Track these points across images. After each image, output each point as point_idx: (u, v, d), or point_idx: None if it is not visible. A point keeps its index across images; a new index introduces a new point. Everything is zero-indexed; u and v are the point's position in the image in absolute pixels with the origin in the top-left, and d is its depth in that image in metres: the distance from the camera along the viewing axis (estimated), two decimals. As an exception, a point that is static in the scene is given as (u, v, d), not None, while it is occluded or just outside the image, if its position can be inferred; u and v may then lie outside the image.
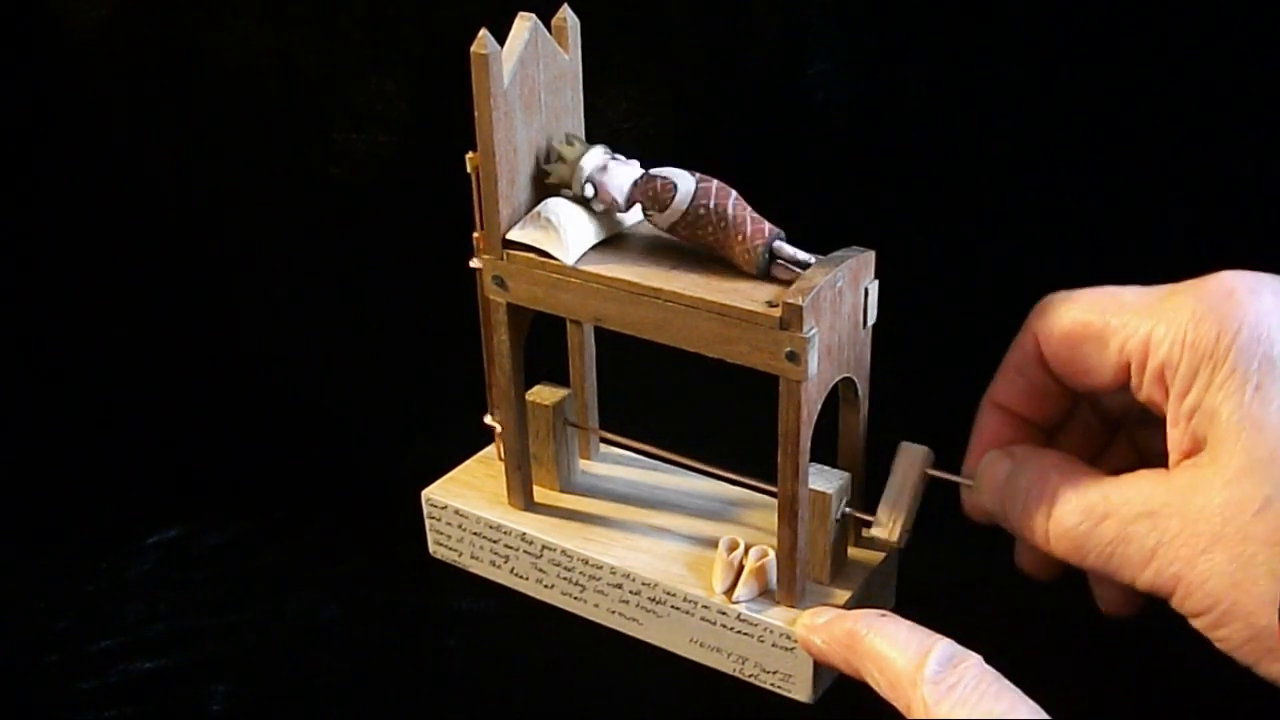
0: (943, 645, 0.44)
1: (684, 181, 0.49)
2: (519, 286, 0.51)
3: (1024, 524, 0.45)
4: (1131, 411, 0.49)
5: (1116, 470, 0.46)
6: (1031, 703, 0.42)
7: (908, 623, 0.46)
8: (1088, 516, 0.43)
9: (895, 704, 0.44)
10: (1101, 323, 0.45)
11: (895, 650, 0.44)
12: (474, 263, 0.53)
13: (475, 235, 0.52)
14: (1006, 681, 0.43)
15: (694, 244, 0.49)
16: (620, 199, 0.50)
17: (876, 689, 0.45)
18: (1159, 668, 0.61)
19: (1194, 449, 0.42)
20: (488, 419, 0.57)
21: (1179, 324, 0.42)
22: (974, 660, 0.43)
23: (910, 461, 0.50)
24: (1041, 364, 0.48)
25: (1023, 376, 0.49)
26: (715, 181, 0.49)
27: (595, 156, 0.50)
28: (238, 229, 0.84)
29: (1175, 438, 0.43)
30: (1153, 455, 0.47)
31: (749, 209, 0.48)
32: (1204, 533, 0.40)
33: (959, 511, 0.51)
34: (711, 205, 0.48)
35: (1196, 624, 0.41)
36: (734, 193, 0.49)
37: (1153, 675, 0.63)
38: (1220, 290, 0.42)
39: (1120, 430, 0.50)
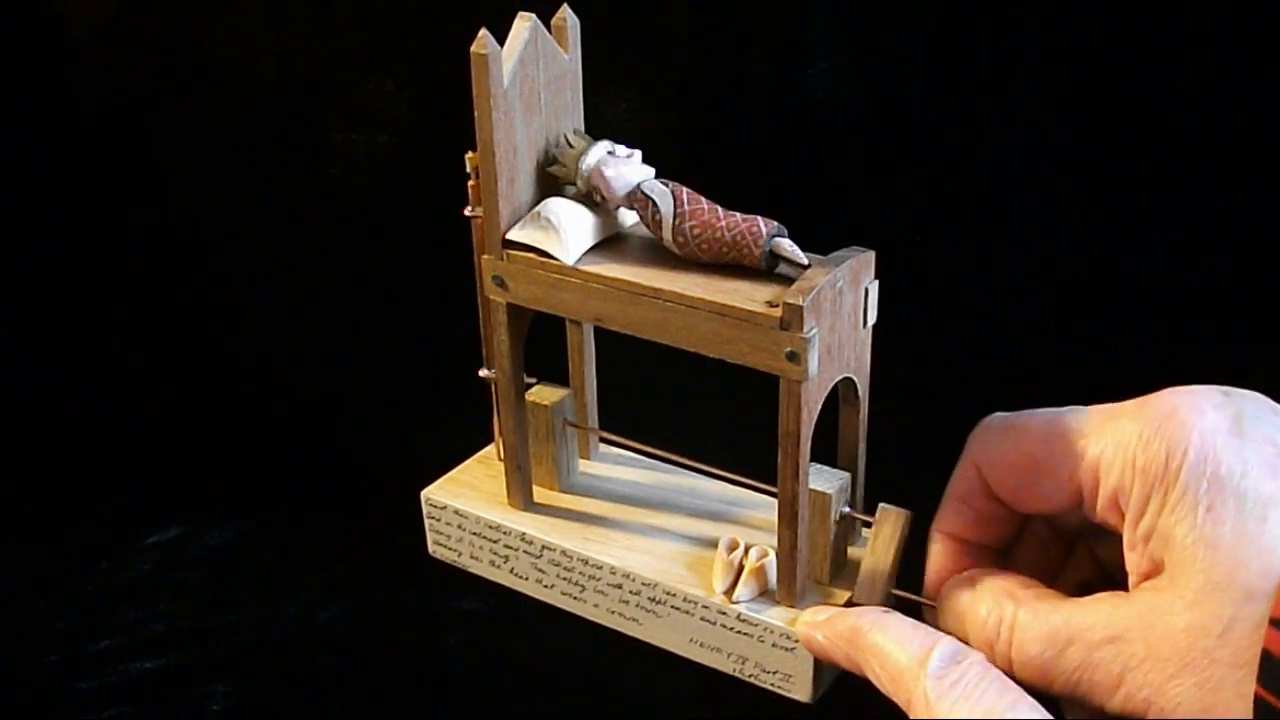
0: (946, 642, 0.44)
1: (663, 200, 0.49)
2: (519, 286, 0.51)
3: (989, 653, 0.45)
4: (1087, 526, 0.48)
5: (1078, 582, 0.46)
6: (1033, 701, 0.42)
7: (910, 620, 0.46)
8: (1051, 644, 0.43)
9: (896, 700, 0.44)
10: (1046, 452, 0.45)
11: (898, 647, 0.44)
12: (468, 211, 0.52)
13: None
14: (1008, 680, 0.43)
15: (710, 260, 0.49)
16: (620, 193, 0.50)
17: (878, 684, 0.45)
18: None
19: (1153, 571, 0.42)
20: (483, 372, 0.56)
21: (1127, 448, 0.42)
22: (977, 658, 0.43)
23: (890, 529, 0.50)
24: (987, 493, 0.47)
25: (968, 506, 0.48)
26: (685, 192, 0.49)
27: (598, 151, 0.51)
28: (238, 229, 0.84)
29: (1133, 561, 0.43)
30: (1114, 565, 0.47)
31: (733, 214, 0.48)
32: (1170, 657, 0.40)
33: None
34: (689, 227, 0.48)
35: None
36: (703, 201, 0.48)
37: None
38: (1163, 410, 0.42)
39: (1078, 543, 0.50)
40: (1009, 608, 0.45)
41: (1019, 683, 0.44)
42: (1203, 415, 0.41)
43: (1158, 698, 0.40)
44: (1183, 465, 0.41)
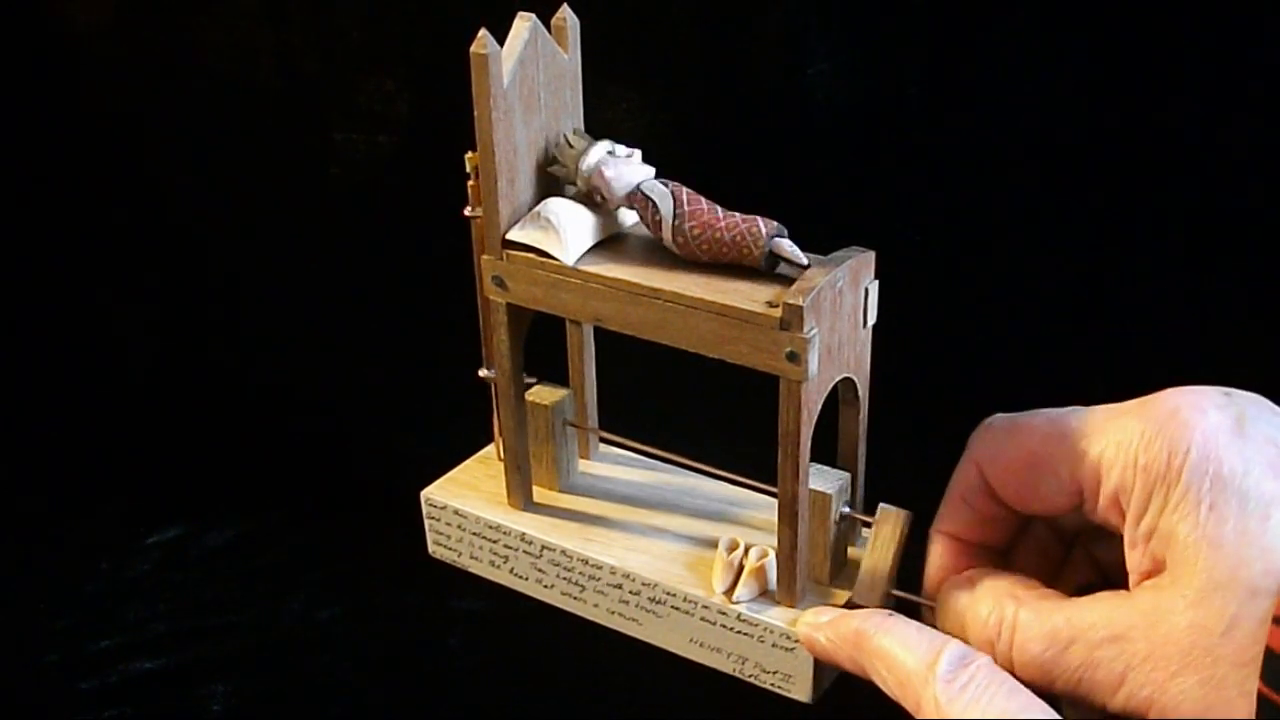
0: (954, 645, 0.44)
1: (662, 201, 0.49)
2: (519, 286, 0.51)
3: (989, 653, 0.45)
4: (1087, 527, 0.48)
5: (1078, 584, 0.46)
6: (1042, 703, 0.42)
7: (915, 623, 0.46)
8: (1052, 643, 0.43)
9: (903, 703, 0.44)
10: (1047, 452, 0.45)
11: (905, 650, 0.44)
12: (468, 211, 0.52)
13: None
14: (1017, 682, 0.43)
15: (711, 260, 0.49)
16: (620, 193, 0.50)
17: (883, 687, 0.45)
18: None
19: (1154, 570, 0.42)
20: (483, 372, 0.56)
21: (1129, 447, 0.42)
22: (985, 660, 0.43)
23: (890, 529, 0.50)
24: (987, 492, 0.48)
25: (969, 506, 0.48)
26: (685, 192, 0.49)
27: (598, 151, 0.50)
28: (238, 228, 0.84)
29: (1134, 559, 0.43)
30: (1113, 567, 0.47)
31: (733, 214, 0.48)
32: (1172, 656, 0.40)
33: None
34: (689, 228, 0.48)
35: None
36: (705, 202, 0.48)
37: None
38: (1165, 410, 0.42)
39: (1077, 544, 0.50)
40: (1010, 607, 0.45)
41: (1020, 683, 0.44)
42: (1205, 415, 0.42)
43: (1160, 696, 0.40)
44: (1185, 464, 0.41)
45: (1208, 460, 0.41)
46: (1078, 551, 0.50)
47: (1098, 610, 0.43)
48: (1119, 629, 0.42)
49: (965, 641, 0.46)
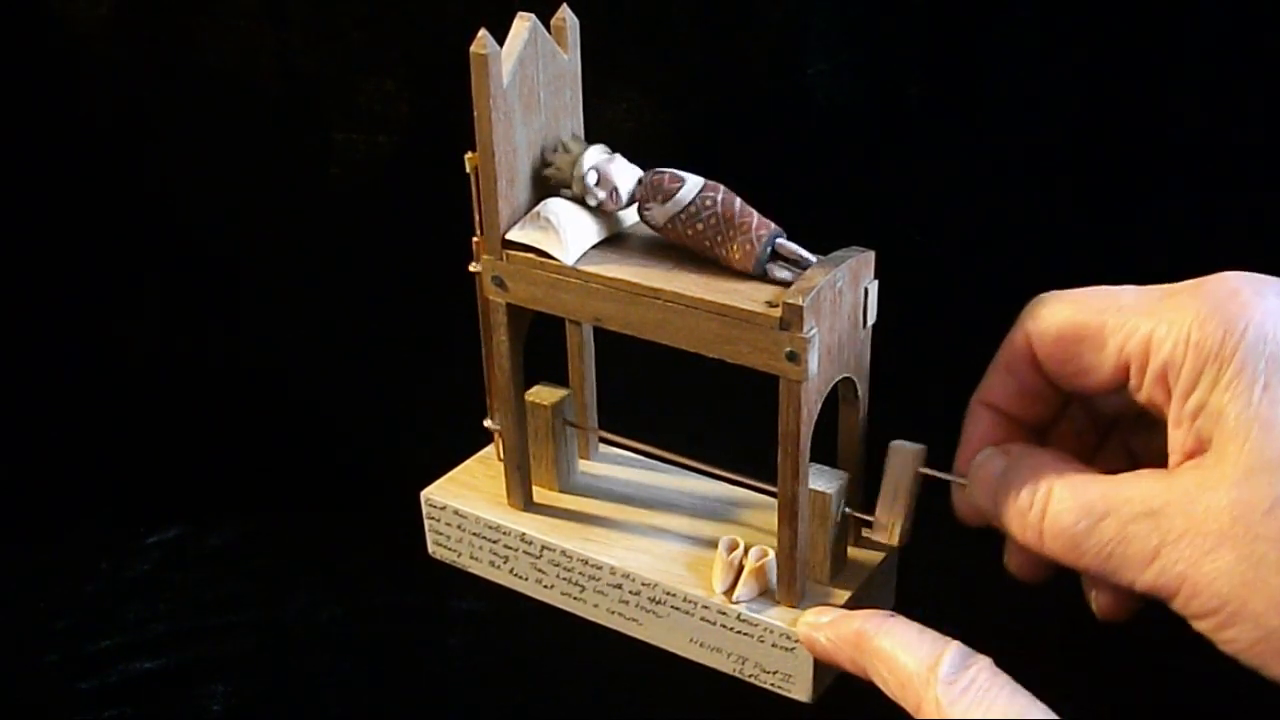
0: (955, 647, 0.44)
1: (692, 177, 0.49)
2: (518, 287, 0.51)
3: (1018, 522, 0.45)
4: (1126, 414, 0.48)
5: (1110, 472, 0.46)
6: (1043, 705, 0.42)
7: (917, 624, 0.46)
8: (1086, 515, 0.43)
9: (904, 704, 0.44)
10: (1099, 323, 0.45)
11: (906, 652, 0.44)
12: (474, 267, 0.53)
13: (475, 240, 0.52)
14: (1017, 684, 0.43)
15: (683, 243, 0.49)
16: (622, 190, 0.50)
17: (884, 688, 0.45)
18: (1160, 667, 0.61)
19: (1198, 449, 0.41)
20: (487, 423, 0.57)
21: (1182, 324, 0.42)
22: (986, 662, 0.43)
23: (903, 461, 0.50)
24: (1033, 364, 0.47)
25: (1013, 376, 0.48)
26: (722, 185, 0.49)
27: (596, 152, 0.51)
28: (237, 229, 0.84)
29: (1178, 438, 0.42)
30: (1147, 459, 0.46)
31: (754, 210, 0.48)
32: (1211, 532, 0.40)
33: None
34: (719, 199, 0.48)
35: (1200, 626, 0.41)
36: (739, 198, 0.49)
37: (1154, 675, 0.63)
38: (1224, 290, 0.42)
39: (1113, 433, 0.50)
40: (1045, 478, 0.44)
41: (1046, 556, 0.44)
42: (1264, 298, 0.41)
43: (1193, 572, 0.40)
44: (1241, 342, 0.40)
45: (1265, 341, 0.40)
46: (1113, 440, 0.49)
47: (1136, 485, 0.42)
48: (1156, 504, 0.41)
49: (995, 514, 0.46)
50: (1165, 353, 0.42)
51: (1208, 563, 0.40)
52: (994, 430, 0.49)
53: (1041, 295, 0.47)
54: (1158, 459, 0.43)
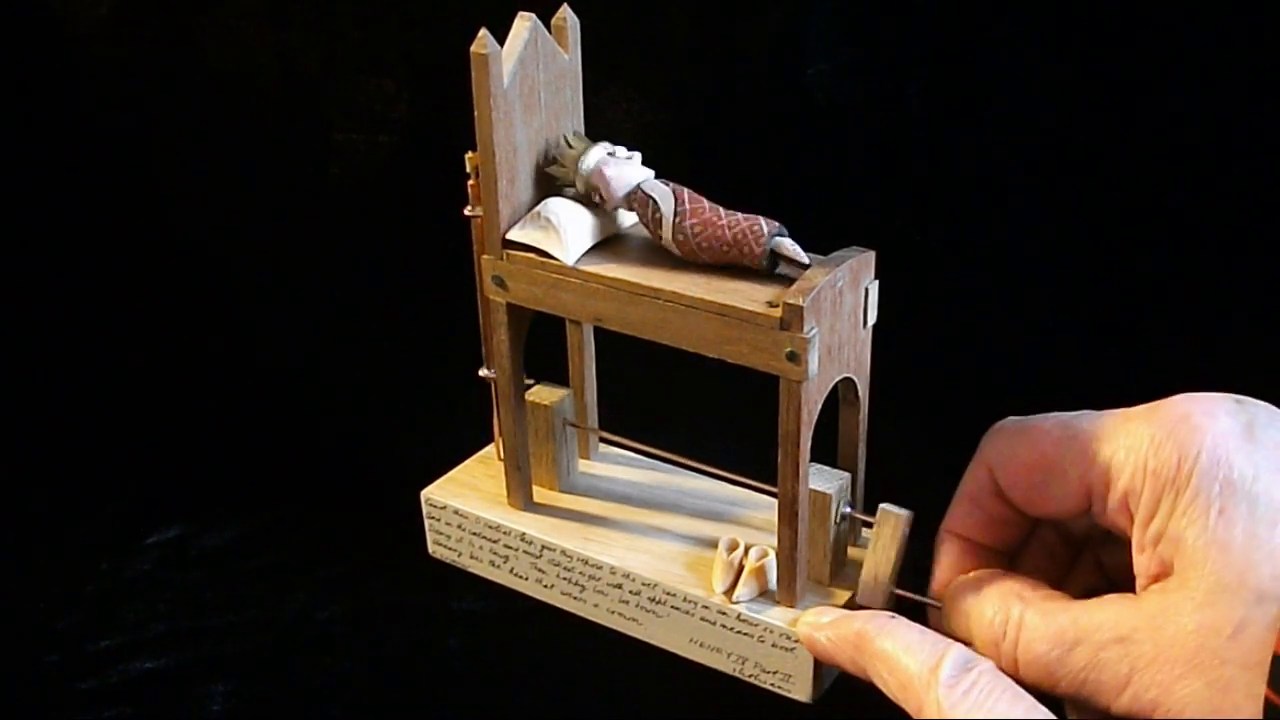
0: (956, 650, 0.44)
1: (664, 197, 0.49)
2: (519, 286, 0.51)
3: (993, 652, 0.45)
4: (1094, 533, 0.48)
5: (1084, 589, 0.46)
6: (1045, 709, 0.42)
7: (918, 626, 0.46)
8: (1058, 644, 0.43)
9: (904, 706, 0.44)
10: (1057, 455, 0.45)
11: (907, 653, 0.44)
12: (468, 210, 0.52)
13: (470, 183, 0.52)
14: (1019, 687, 0.43)
15: (697, 258, 0.49)
16: (620, 194, 0.50)
17: (884, 689, 0.45)
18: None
19: (1162, 573, 0.42)
20: (483, 372, 0.57)
21: (1139, 451, 0.42)
22: (987, 665, 0.43)
23: (891, 530, 0.50)
24: (997, 494, 0.48)
25: (979, 507, 0.48)
26: (686, 192, 0.49)
27: (597, 152, 0.51)
28: (237, 228, 0.84)
29: (1142, 563, 0.43)
30: (1119, 572, 0.47)
31: (734, 213, 0.48)
32: (1178, 658, 0.40)
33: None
34: (688, 225, 0.48)
35: None
36: (705, 202, 0.48)
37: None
38: (1176, 415, 0.42)
39: (1084, 550, 0.50)
40: (1016, 607, 0.45)
41: (1023, 684, 0.44)
42: (1215, 420, 0.42)
43: (1165, 698, 0.40)
44: (1195, 468, 0.41)
45: (1218, 465, 0.41)
46: (1085, 556, 0.50)
47: (1104, 612, 0.43)
48: (1125, 630, 0.42)
49: (970, 642, 0.46)
50: (1124, 480, 0.43)
51: (1179, 689, 0.40)
52: (964, 558, 0.49)
53: (999, 424, 0.48)
54: (1130, 574, 0.44)
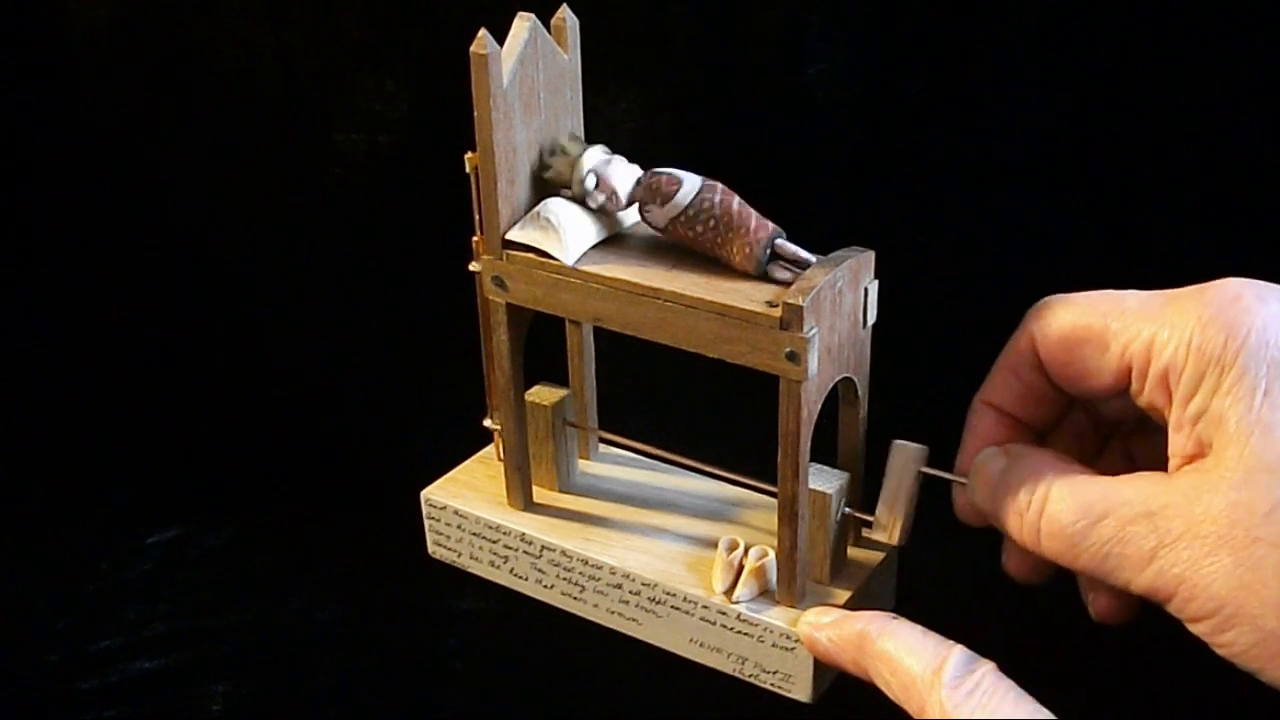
0: (959, 651, 0.44)
1: (690, 178, 0.49)
2: (518, 287, 0.51)
3: (1016, 521, 0.45)
4: (1127, 418, 0.48)
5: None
6: (1047, 710, 0.42)
7: (920, 627, 0.46)
8: (1084, 515, 0.43)
9: (906, 707, 0.44)
10: (1101, 326, 0.45)
11: (910, 655, 0.44)
12: (474, 266, 0.53)
13: (475, 239, 0.52)
14: (1021, 689, 0.43)
15: (686, 243, 0.49)
16: (621, 193, 0.50)
17: (886, 690, 0.45)
18: (1158, 669, 0.61)
19: (1198, 453, 0.41)
20: (487, 422, 0.57)
21: (1184, 329, 0.42)
22: (990, 667, 0.43)
23: (904, 460, 0.50)
24: (1037, 366, 0.47)
25: (1016, 378, 0.48)
26: (719, 183, 0.49)
27: (595, 154, 0.51)
28: (237, 229, 0.84)
29: (1178, 443, 0.42)
30: (1147, 462, 0.46)
31: (753, 210, 0.48)
32: (1209, 535, 0.40)
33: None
34: (716, 200, 0.48)
35: (1197, 629, 0.41)
36: (737, 195, 0.49)
37: (1152, 677, 0.63)
38: (1227, 295, 0.42)
39: (1113, 437, 0.50)
40: (1044, 477, 0.44)
41: (1043, 556, 0.44)
42: (1265, 304, 0.41)
43: (1191, 574, 0.40)
44: (1242, 348, 0.40)
45: (1267, 346, 0.40)
46: (1114, 444, 0.50)
47: (1134, 486, 0.42)
48: (1155, 506, 0.41)
49: (994, 513, 0.46)
50: (1167, 357, 0.42)
51: (1205, 565, 0.40)
52: (996, 430, 0.49)
53: (1046, 298, 0.48)
54: (1158, 464, 0.43)
